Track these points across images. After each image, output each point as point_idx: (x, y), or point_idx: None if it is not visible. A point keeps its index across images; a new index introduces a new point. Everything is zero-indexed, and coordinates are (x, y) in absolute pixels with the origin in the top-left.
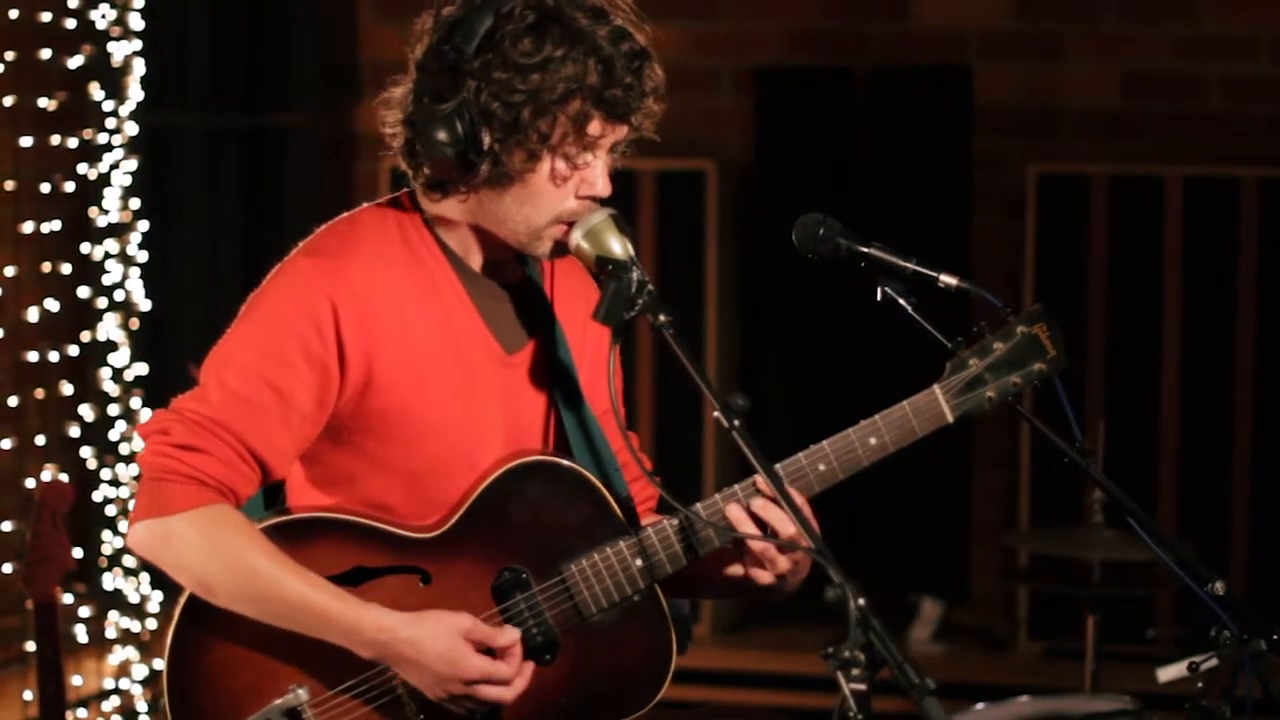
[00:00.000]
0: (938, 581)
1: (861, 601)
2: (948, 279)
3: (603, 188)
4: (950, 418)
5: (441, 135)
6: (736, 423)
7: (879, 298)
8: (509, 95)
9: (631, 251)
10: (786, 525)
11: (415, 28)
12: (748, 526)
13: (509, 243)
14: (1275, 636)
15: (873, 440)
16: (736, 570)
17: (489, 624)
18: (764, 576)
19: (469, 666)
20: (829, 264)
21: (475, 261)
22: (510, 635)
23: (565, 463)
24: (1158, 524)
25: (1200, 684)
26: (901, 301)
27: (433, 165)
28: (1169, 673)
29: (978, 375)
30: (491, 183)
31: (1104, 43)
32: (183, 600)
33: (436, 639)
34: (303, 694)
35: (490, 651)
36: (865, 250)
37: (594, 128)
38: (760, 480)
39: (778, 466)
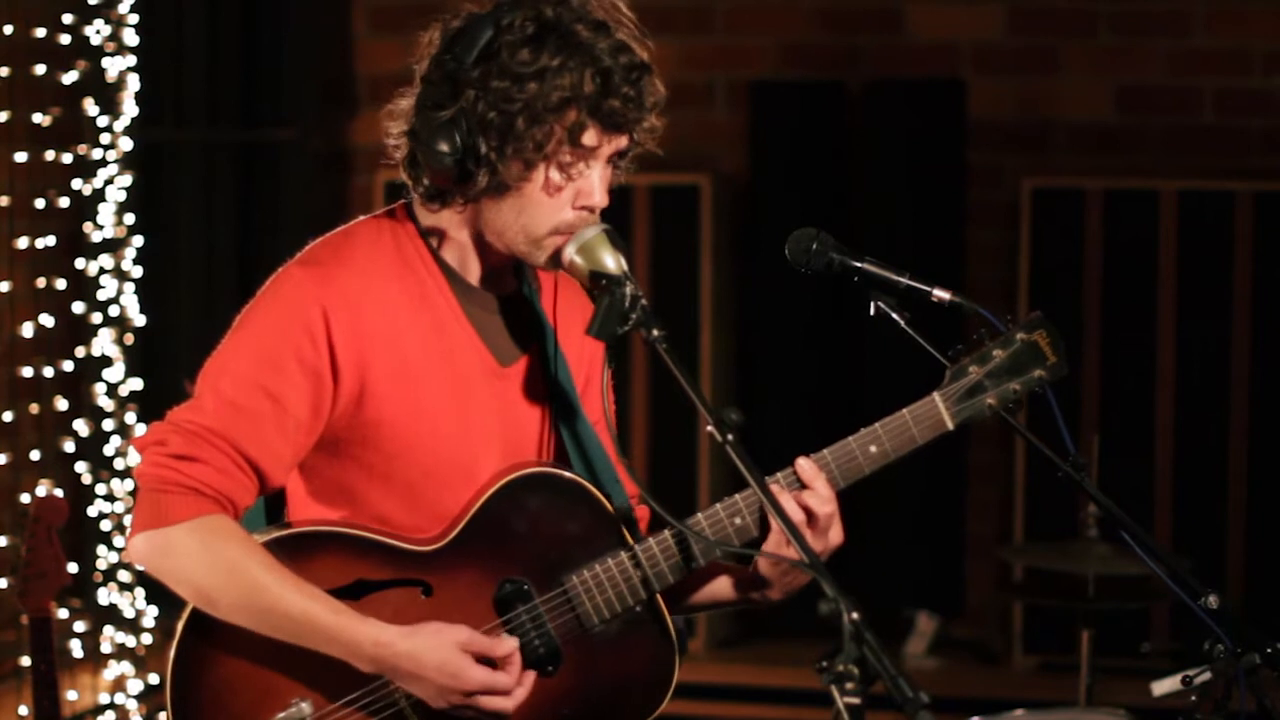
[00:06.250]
0: (933, 595)
1: (856, 615)
2: (941, 293)
3: (600, 199)
4: (950, 425)
5: (441, 145)
6: (730, 437)
7: (872, 312)
8: (506, 104)
9: (625, 266)
10: (823, 505)
11: (421, 40)
12: (792, 509)
13: (509, 251)
14: (1269, 650)
15: (873, 448)
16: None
17: (490, 635)
18: (793, 554)
19: (469, 678)
20: (823, 278)
21: (470, 274)
22: (509, 645)
23: (565, 474)
24: (1152, 538)
25: (1194, 698)
26: (895, 316)
27: (432, 175)
28: (1163, 687)
29: (977, 382)
30: (489, 192)
31: (1098, 57)
32: (185, 616)
33: (434, 651)
34: (306, 707)
35: (490, 662)
36: (858, 265)
37: (590, 138)
38: (800, 463)
39: (778, 475)
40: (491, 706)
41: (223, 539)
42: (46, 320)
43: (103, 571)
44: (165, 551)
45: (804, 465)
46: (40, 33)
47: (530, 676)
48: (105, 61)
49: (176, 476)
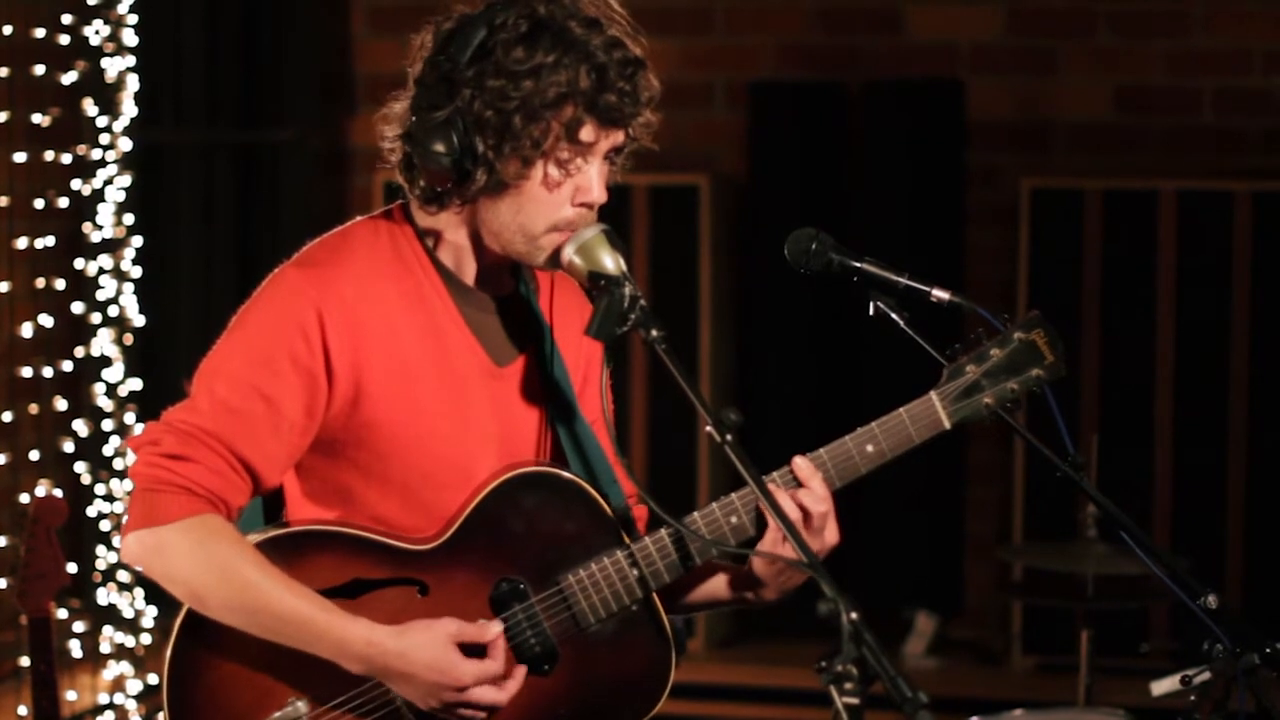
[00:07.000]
0: (932, 595)
1: (855, 615)
2: (940, 293)
3: (598, 194)
4: (947, 424)
5: (437, 146)
6: (729, 437)
7: (871, 312)
8: (502, 102)
9: (624, 266)
10: (818, 504)
11: (413, 43)
12: (789, 507)
13: (507, 253)
14: (1268, 650)
15: (870, 448)
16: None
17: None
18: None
19: (461, 674)
20: (822, 279)
21: (467, 274)
22: (494, 629)
23: (563, 473)
24: (1151, 538)
25: (1193, 698)
26: (894, 316)
27: (429, 176)
28: (1162, 687)
29: (975, 382)
30: (487, 191)
31: (1097, 57)
32: (180, 617)
33: (424, 648)
34: (302, 706)
35: (481, 650)
36: (857, 265)
37: (587, 133)
38: (797, 462)
39: (774, 474)
40: (485, 699)
41: (215, 538)
42: (46, 320)
43: (102, 572)
44: (157, 551)
45: (800, 464)
46: (40, 33)
47: (521, 670)
48: (104, 62)
49: (170, 476)
